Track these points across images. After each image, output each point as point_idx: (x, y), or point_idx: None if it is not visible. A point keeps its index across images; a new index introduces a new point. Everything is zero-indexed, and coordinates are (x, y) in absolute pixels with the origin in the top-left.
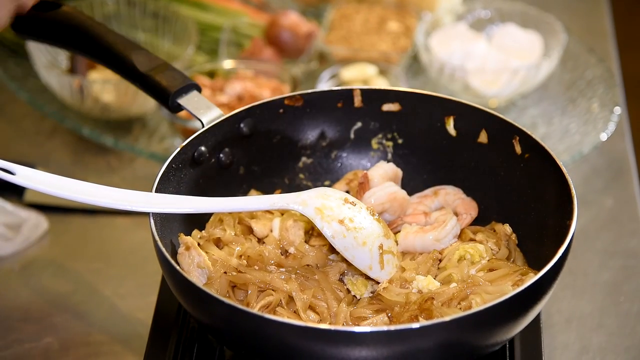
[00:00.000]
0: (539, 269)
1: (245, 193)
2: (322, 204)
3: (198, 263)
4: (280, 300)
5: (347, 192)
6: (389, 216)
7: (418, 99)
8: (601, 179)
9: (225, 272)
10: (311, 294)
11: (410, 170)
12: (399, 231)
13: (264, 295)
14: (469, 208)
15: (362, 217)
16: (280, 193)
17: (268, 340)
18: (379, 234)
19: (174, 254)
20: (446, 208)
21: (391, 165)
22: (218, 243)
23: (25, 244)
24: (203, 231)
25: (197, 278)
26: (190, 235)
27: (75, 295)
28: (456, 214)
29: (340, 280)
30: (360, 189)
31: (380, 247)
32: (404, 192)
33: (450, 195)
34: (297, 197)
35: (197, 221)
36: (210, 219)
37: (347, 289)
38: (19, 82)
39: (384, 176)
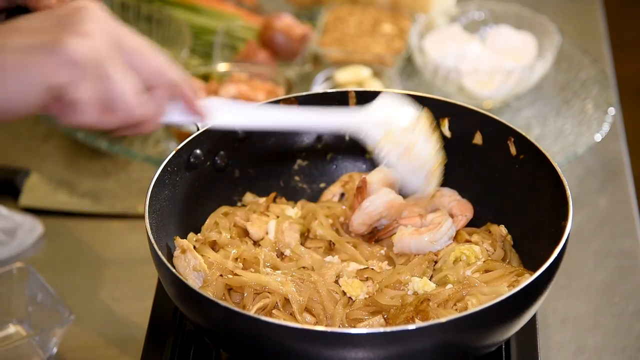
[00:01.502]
0: (535, 270)
1: (240, 196)
2: (388, 131)
3: (194, 266)
4: (277, 302)
5: (342, 194)
6: (385, 221)
7: (413, 101)
8: (596, 180)
9: (221, 275)
10: (307, 296)
11: None
12: (394, 234)
13: (260, 298)
14: (464, 209)
15: (422, 141)
16: (276, 196)
17: (265, 343)
18: (431, 155)
19: (170, 257)
20: (442, 210)
21: (390, 170)
22: (214, 246)
23: (20, 248)
24: (199, 234)
25: (193, 281)
26: (186, 239)
27: (71, 299)
28: (452, 216)
29: (336, 282)
30: (358, 194)
31: (431, 169)
32: (400, 198)
33: (445, 197)
34: (362, 122)
35: (193, 225)
36: (206, 223)
37: (343, 291)
38: None
39: (383, 181)
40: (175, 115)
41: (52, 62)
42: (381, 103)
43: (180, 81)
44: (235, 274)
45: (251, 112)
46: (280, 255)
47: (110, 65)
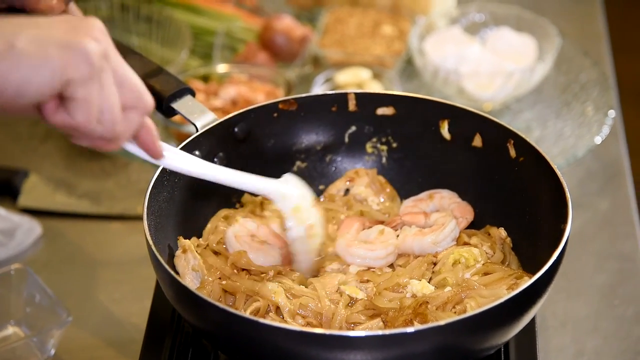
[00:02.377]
0: (534, 273)
1: (238, 197)
2: (298, 204)
3: (193, 266)
4: (269, 306)
5: (347, 190)
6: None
7: (412, 103)
8: (596, 182)
9: (220, 278)
10: (298, 303)
11: (404, 174)
12: (397, 230)
13: (251, 301)
14: (464, 212)
15: (319, 223)
16: None
17: (263, 345)
18: (322, 236)
19: (169, 258)
20: (444, 211)
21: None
22: (216, 252)
23: (18, 249)
24: (201, 239)
25: (190, 281)
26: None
27: (69, 300)
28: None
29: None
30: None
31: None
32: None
33: (445, 199)
34: (279, 189)
35: (192, 226)
36: (207, 227)
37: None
38: None
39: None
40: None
41: (70, 56)
42: (289, 180)
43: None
44: (229, 279)
45: (193, 164)
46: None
47: (108, 77)
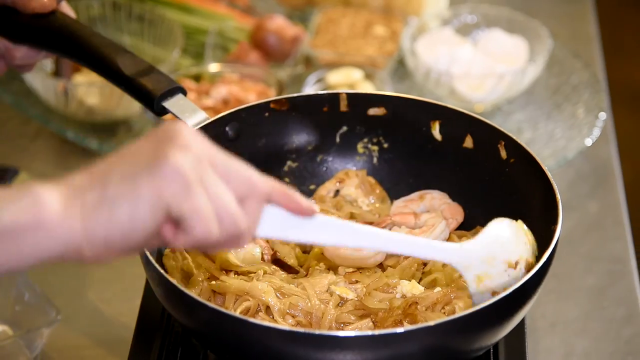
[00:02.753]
0: (524, 274)
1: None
2: (484, 271)
3: (182, 265)
4: (259, 306)
5: (337, 191)
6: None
7: (404, 104)
8: (586, 184)
9: (208, 279)
10: (288, 303)
11: (395, 175)
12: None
13: (241, 301)
14: (455, 213)
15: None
16: None
17: (253, 345)
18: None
19: (159, 257)
20: (435, 211)
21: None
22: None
23: None
24: None
25: (180, 280)
26: None
27: (58, 298)
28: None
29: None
30: None
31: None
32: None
33: (436, 200)
34: (460, 254)
35: None
36: None
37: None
38: (3, 85)
39: None
40: (272, 227)
41: (160, 179)
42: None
43: (273, 188)
44: (218, 279)
45: (352, 231)
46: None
47: (210, 177)
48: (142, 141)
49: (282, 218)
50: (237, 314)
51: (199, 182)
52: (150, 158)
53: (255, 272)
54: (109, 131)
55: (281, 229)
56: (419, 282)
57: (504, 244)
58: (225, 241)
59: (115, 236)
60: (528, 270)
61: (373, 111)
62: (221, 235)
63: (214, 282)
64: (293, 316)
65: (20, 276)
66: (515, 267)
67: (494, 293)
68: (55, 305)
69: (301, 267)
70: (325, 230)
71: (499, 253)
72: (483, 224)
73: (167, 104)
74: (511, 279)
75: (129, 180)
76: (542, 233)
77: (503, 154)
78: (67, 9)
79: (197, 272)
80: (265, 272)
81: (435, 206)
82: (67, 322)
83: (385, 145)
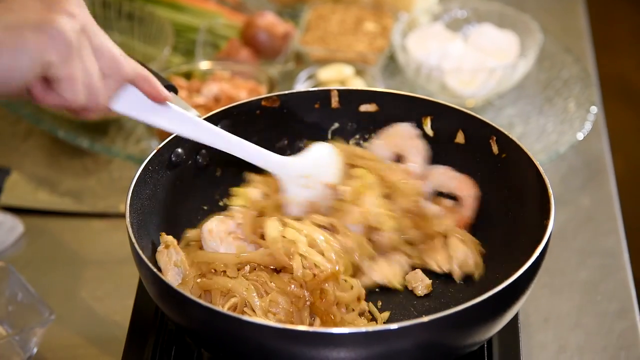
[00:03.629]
0: (517, 269)
1: (222, 194)
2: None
3: (175, 262)
4: (245, 302)
5: None
6: None
7: (395, 100)
8: (578, 178)
9: (200, 274)
10: (268, 300)
11: None
12: None
13: (228, 297)
14: (467, 186)
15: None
16: None
17: (246, 342)
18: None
19: (152, 256)
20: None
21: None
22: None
23: (0, 247)
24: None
25: (172, 277)
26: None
27: (52, 298)
28: (457, 199)
29: None
30: None
31: None
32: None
33: (442, 175)
34: (281, 166)
35: (174, 224)
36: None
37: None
38: None
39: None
40: (129, 105)
41: (45, 39)
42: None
43: (136, 72)
44: (206, 276)
45: (191, 124)
46: None
47: (87, 50)
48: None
49: (140, 100)
50: (230, 312)
51: (78, 51)
52: (39, 16)
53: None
54: (100, 130)
55: (137, 109)
56: None
57: (326, 166)
58: (84, 108)
59: None
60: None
61: (364, 107)
62: (83, 103)
63: (199, 280)
64: (274, 314)
65: (13, 276)
66: (330, 188)
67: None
68: (49, 305)
69: None
70: (173, 118)
71: (318, 176)
72: (477, 220)
73: None
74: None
75: (15, 31)
76: (535, 228)
77: (495, 149)
78: None
79: (190, 269)
80: (252, 270)
81: (443, 182)
82: (60, 321)
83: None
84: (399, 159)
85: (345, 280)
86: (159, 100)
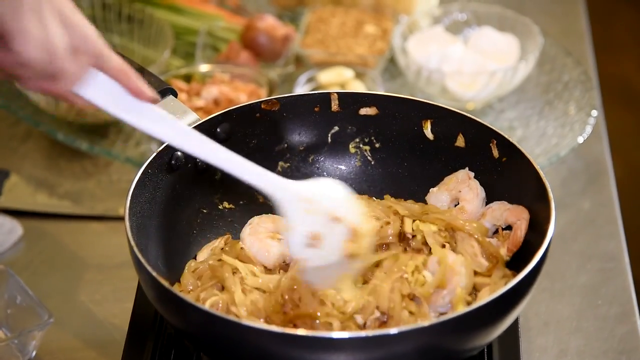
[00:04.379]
0: (517, 273)
1: (222, 198)
2: (305, 213)
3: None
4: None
5: None
6: None
7: (395, 103)
8: (578, 182)
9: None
10: (249, 300)
11: (388, 174)
12: None
13: (209, 295)
14: (519, 213)
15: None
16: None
17: (245, 347)
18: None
19: (150, 259)
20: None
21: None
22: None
23: None
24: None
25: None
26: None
27: (51, 301)
28: (510, 227)
29: None
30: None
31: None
32: None
33: (496, 211)
34: (281, 189)
35: (173, 227)
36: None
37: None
38: None
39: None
40: (101, 95)
41: None
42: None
43: (104, 53)
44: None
45: (180, 133)
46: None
47: (49, 14)
48: None
49: (114, 91)
50: (229, 317)
51: (35, 9)
52: None
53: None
54: (99, 132)
55: (112, 102)
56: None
57: (331, 198)
58: (44, 75)
59: None
60: (354, 237)
61: (364, 111)
62: (40, 65)
63: (192, 264)
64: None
65: (12, 279)
66: (337, 221)
67: (313, 237)
68: (48, 308)
69: None
70: (154, 121)
71: (323, 203)
72: None
73: (158, 105)
74: (329, 232)
75: None
76: (535, 232)
77: (495, 152)
78: None
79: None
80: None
81: (497, 217)
82: (59, 324)
83: (377, 145)
84: (457, 202)
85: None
86: (140, 96)
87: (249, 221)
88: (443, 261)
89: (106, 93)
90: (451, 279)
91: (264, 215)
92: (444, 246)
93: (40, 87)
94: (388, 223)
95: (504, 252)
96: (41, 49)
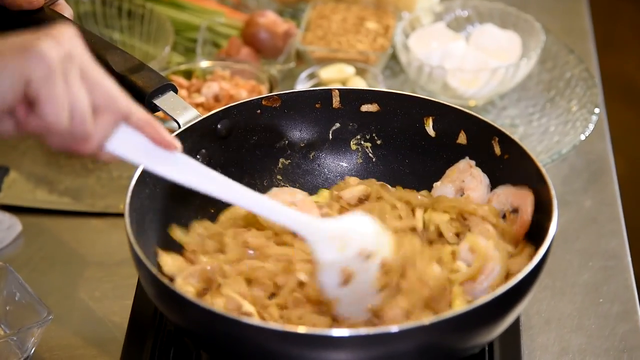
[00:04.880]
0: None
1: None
2: (335, 250)
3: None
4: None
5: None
6: None
7: (397, 100)
8: (580, 180)
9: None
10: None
11: (389, 172)
12: None
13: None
14: (523, 197)
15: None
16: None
17: (245, 344)
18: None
19: (150, 256)
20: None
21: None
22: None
23: None
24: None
25: None
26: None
27: (50, 298)
28: (516, 210)
29: None
30: None
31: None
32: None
33: (502, 196)
34: (308, 228)
35: (175, 224)
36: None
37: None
38: None
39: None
40: (127, 147)
41: (26, 58)
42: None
43: (132, 111)
44: None
45: (210, 179)
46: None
47: (74, 77)
48: (28, 32)
49: (140, 143)
50: (229, 314)
51: (62, 75)
52: (24, 41)
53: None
54: None
55: (136, 152)
56: None
57: (362, 233)
58: (72, 138)
59: None
60: (384, 270)
61: (366, 107)
62: (69, 128)
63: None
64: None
65: (11, 276)
66: (369, 258)
67: (346, 275)
68: (47, 305)
69: None
70: (183, 169)
71: (354, 240)
72: None
73: (158, 101)
74: (360, 268)
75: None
76: (537, 230)
77: (497, 150)
78: (64, 7)
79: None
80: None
81: (504, 202)
82: (58, 321)
83: (379, 142)
84: (462, 193)
85: None
86: (165, 146)
87: (268, 192)
88: (477, 248)
89: (132, 146)
90: (486, 265)
91: (284, 187)
92: (457, 235)
93: (67, 148)
94: (400, 217)
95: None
96: (67, 114)
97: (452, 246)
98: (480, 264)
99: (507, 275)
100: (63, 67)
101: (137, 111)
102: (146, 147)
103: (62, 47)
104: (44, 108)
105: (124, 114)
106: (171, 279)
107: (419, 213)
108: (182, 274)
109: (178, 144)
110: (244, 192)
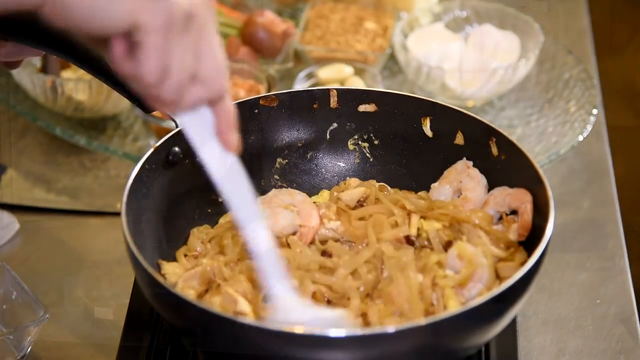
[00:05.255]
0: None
1: (219, 195)
2: None
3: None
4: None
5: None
6: None
7: (394, 100)
8: (578, 181)
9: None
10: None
11: (386, 172)
12: None
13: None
14: (521, 196)
15: None
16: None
17: (242, 344)
18: None
19: (147, 255)
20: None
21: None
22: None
23: None
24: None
25: None
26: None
27: (47, 297)
28: (515, 211)
29: None
30: None
31: None
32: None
33: (498, 198)
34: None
35: (171, 223)
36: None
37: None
38: None
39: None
40: (195, 129)
41: (149, 1)
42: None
43: (223, 96)
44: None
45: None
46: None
47: (186, 36)
48: None
49: (208, 127)
50: (226, 314)
51: (178, 32)
52: None
53: None
54: (97, 127)
55: (198, 133)
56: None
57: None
58: (154, 94)
59: (80, 9)
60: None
61: (363, 107)
62: (157, 85)
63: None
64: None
65: (8, 274)
66: None
67: None
68: (43, 304)
69: None
70: (227, 170)
71: None
72: None
73: None
74: None
75: None
76: (534, 230)
77: (494, 150)
78: None
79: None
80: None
81: (500, 203)
82: (55, 320)
83: (376, 142)
84: (459, 194)
85: None
86: (226, 144)
87: (267, 194)
88: (465, 254)
89: (200, 125)
90: (475, 271)
91: (283, 188)
92: (448, 243)
93: (145, 96)
94: (396, 224)
95: (514, 238)
96: (162, 74)
97: (439, 255)
98: (470, 271)
99: (501, 280)
100: (183, 25)
101: (228, 97)
102: (209, 134)
103: (191, 5)
104: (143, 58)
105: (217, 95)
106: (174, 286)
107: (414, 219)
108: (182, 277)
109: (239, 147)
110: (253, 218)
